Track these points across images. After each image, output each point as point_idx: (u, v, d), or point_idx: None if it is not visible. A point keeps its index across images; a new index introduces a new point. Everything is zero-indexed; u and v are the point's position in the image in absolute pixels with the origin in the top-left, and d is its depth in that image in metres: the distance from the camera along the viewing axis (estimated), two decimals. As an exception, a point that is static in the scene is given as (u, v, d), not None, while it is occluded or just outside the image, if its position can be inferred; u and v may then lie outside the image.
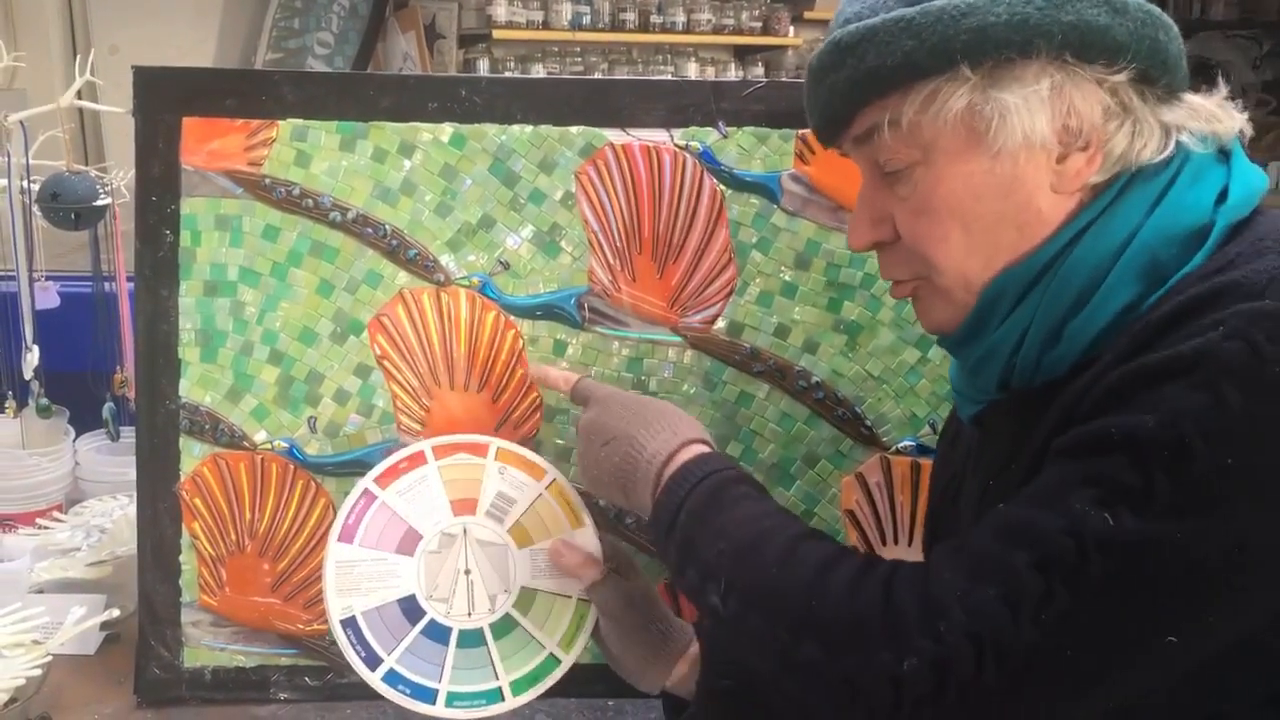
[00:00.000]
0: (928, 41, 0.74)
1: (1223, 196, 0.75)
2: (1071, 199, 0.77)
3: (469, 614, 1.01)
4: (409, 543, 1.03)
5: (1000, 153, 0.75)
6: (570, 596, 1.04)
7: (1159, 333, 0.70)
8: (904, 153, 0.78)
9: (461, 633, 1.01)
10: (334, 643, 1.01)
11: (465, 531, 1.04)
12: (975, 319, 0.81)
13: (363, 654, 0.98)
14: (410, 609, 1.00)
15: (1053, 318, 0.77)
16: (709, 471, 0.89)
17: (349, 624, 0.99)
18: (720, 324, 1.19)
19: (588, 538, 1.06)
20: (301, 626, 1.21)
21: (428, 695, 0.97)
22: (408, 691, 0.97)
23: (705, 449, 0.93)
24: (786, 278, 1.19)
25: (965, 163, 0.77)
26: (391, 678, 0.97)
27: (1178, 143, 0.77)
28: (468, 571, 1.03)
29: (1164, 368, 0.68)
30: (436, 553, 1.03)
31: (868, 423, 1.21)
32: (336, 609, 0.99)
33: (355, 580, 1.00)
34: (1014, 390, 0.81)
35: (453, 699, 0.99)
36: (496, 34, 4.64)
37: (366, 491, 1.04)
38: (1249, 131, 0.80)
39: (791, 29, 5.21)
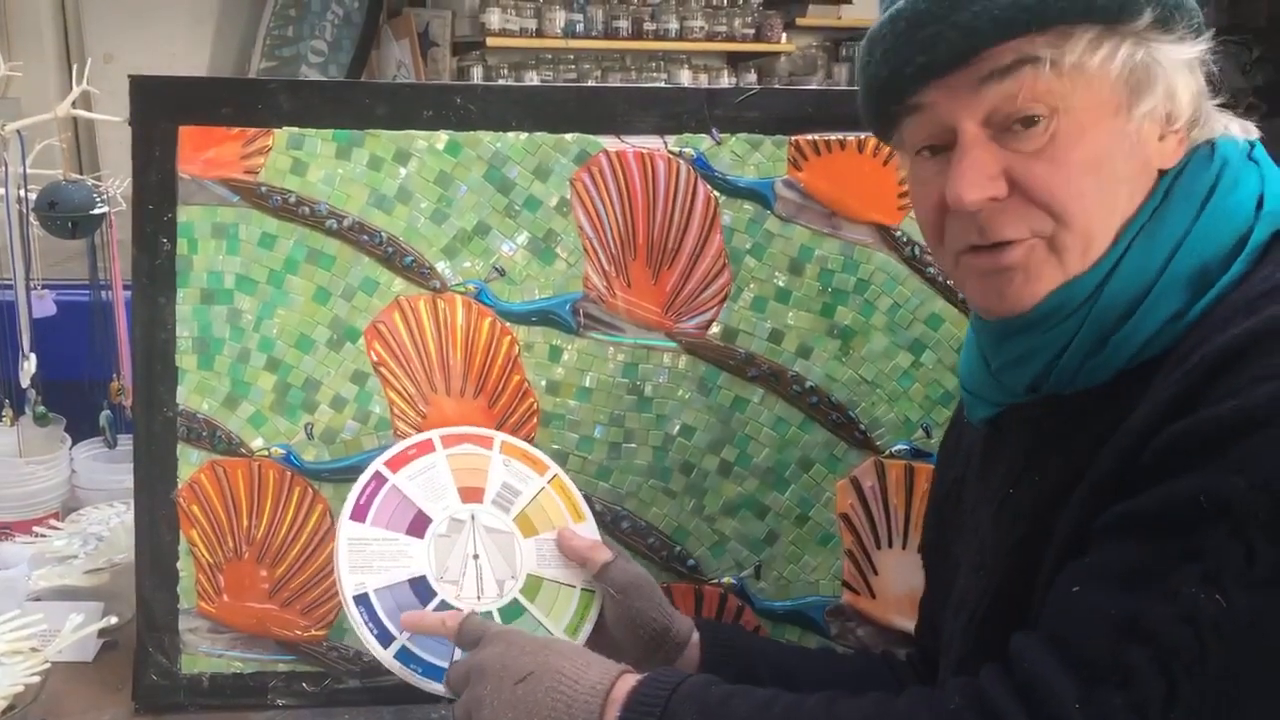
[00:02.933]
0: None
1: (1259, 202, 0.74)
2: (1152, 181, 0.75)
3: (478, 597, 1.02)
4: (419, 525, 1.03)
5: (1136, 116, 0.73)
6: (574, 586, 1.05)
7: (1213, 373, 0.67)
8: (1051, 96, 0.72)
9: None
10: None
11: (473, 518, 1.05)
12: (1043, 313, 0.76)
13: (375, 631, 0.98)
14: (422, 589, 1.01)
15: (1100, 327, 0.74)
16: (674, 683, 0.81)
17: (362, 600, 0.98)
18: (715, 329, 1.20)
19: (589, 530, 1.07)
20: (299, 632, 1.21)
21: (438, 674, 0.97)
22: (419, 670, 0.97)
23: (645, 674, 0.84)
24: (780, 283, 1.20)
25: (1108, 117, 0.73)
26: (404, 655, 0.97)
27: (1216, 142, 0.76)
28: (476, 556, 1.03)
29: (1239, 422, 0.64)
30: (446, 536, 1.03)
31: (862, 427, 1.21)
32: (350, 585, 0.99)
33: (368, 558, 1.00)
34: (1042, 395, 0.79)
35: None
36: (490, 41, 4.65)
37: (378, 474, 1.05)
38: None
39: (784, 35, 5.24)
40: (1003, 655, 0.79)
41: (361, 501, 1.03)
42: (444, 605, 1.00)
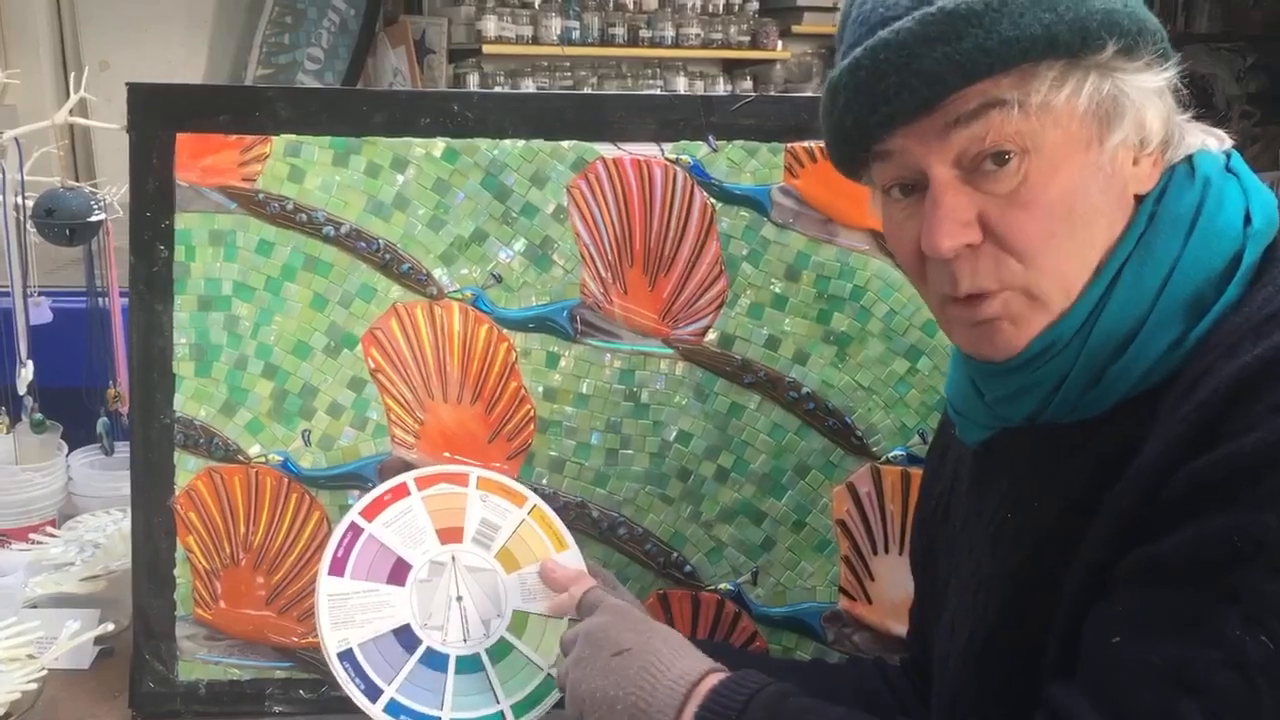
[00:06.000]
0: (1065, 16, 0.69)
1: (1246, 219, 0.74)
2: (1130, 207, 0.75)
3: (464, 640, 1.02)
4: (400, 573, 1.03)
5: (1110, 146, 0.73)
6: (562, 618, 1.04)
7: (1227, 405, 0.65)
8: (1020, 136, 0.71)
9: (459, 659, 1.01)
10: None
11: (454, 559, 1.04)
12: (1033, 354, 0.75)
13: (362, 686, 0.97)
14: (406, 638, 1.00)
15: (1096, 360, 0.73)
16: (754, 690, 0.82)
17: (346, 657, 0.98)
18: (711, 336, 1.20)
19: (573, 558, 1.07)
20: (296, 640, 1.21)
21: None
22: None
23: (732, 673, 0.85)
24: (777, 290, 1.20)
25: (1083, 152, 0.72)
26: (393, 708, 0.97)
27: (1194, 159, 0.75)
28: (459, 598, 1.03)
29: (1263, 456, 0.62)
30: (427, 581, 1.03)
31: (858, 433, 1.22)
32: (333, 642, 0.98)
33: (349, 613, 1.00)
34: (1037, 423, 0.78)
35: None
36: (486, 49, 4.67)
37: (353, 524, 1.04)
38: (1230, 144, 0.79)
39: (780, 43, 5.25)
40: (1001, 679, 0.78)
41: (339, 554, 1.02)
42: (430, 652, 1.00)
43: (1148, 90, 0.73)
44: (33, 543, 1.45)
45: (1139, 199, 0.75)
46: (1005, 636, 0.80)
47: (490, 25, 4.62)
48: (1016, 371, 0.77)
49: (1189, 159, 0.76)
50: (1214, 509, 0.63)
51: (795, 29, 5.29)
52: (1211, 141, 0.77)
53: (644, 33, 4.96)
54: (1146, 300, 0.72)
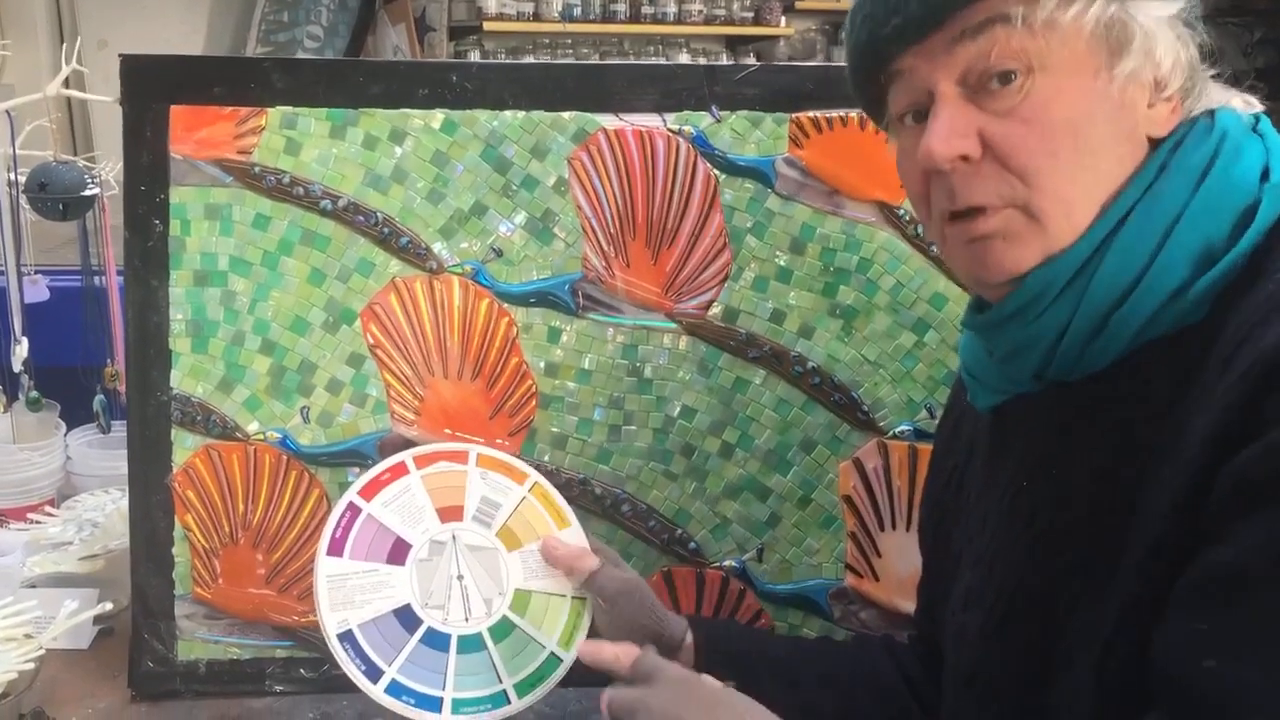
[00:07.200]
0: None
1: (1265, 175, 0.72)
2: (1142, 150, 0.74)
3: (466, 619, 1.00)
4: (399, 552, 1.01)
5: (1118, 77, 0.71)
6: (565, 596, 1.03)
7: (1269, 382, 0.62)
8: (1024, 54, 0.71)
9: (461, 638, 1.00)
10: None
11: (454, 538, 1.03)
12: (1029, 296, 0.74)
13: (363, 667, 0.96)
14: (407, 618, 0.99)
15: (1099, 307, 0.72)
16: None
17: (346, 638, 0.97)
18: (715, 309, 1.19)
19: (575, 536, 1.05)
20: (296, 618, 1.20)
21: (433, 704, 0.96)
22: (412, 701, 0.95)
23: None
24: (782, 262, 1.18)
25: (1087, 77, 0.71)
26: (394, 689, 0.96)
27: (1216, 113, 0.74)
28: (460, 577, 1.02)
29: None
30: (428, 560, 1.02)
31: (864, 408, 1.20)
32: (332, 624, 0.97)
33: (349, 594, 0.99)
34: (1048, 383, 0.77)
35: (458, 706, 0.97)
36: (487, 26, 4.63)
37: (351, 505, 1.03)
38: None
39: (783, 19, 5.21)
40: (1022, 650, 0.76)
41: (337, 535, 1.01)
42: (432, 632, 0.99)
43: (1158, 19, 0.72)
44: (31, 522, 1.44)
45: (1154, 146, 0.74)
46: (1026, 607, 0.78)
47: (491, 1, 4.59)
48: (1015, 320, 0.75)
49: (1210, 113, 0.74)
50: (1271, 501, 0.61)
51: (799, 4, 5.25)
52: (1238, 102, 0.76)
53: (646, 8, 4.92)
54: (1151, 244, 0.70)
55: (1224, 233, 0.70)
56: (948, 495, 0.96)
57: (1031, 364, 0.76)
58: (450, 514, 1.04)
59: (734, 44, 5.31)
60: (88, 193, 1.45)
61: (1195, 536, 0.65)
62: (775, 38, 5.26)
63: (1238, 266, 0.69)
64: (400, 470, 1.06)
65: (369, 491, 1.04)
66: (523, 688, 0.99)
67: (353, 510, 1.02)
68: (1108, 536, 0.71)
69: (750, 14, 5.11)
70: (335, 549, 1.00)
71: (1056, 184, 0.72)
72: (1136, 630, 0.67)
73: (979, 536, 0.86)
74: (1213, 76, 0.76)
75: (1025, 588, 0.79)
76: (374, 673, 0.96)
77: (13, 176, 1.42)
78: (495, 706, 0.98)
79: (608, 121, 1.16)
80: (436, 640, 0.99)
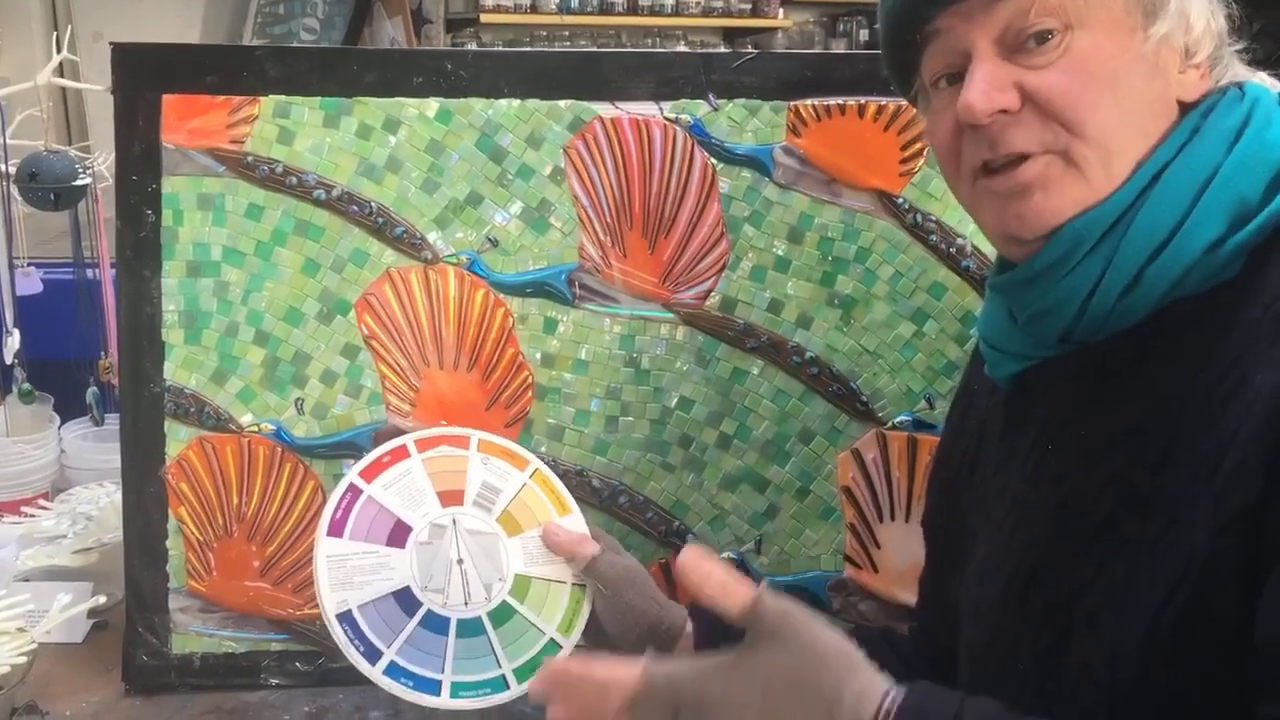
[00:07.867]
0: None
1: None
2: (1173, 113, 0.74)
3: (465, 603, 1.00)
4: (399, 535, 1.01)
5: (1152, 38, 0.73)
6: (565, 582, 1.02)
7: None
8: (1063, 10, 0.72)
9: (460, 622, 0.99)
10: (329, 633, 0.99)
11: (455, 522, 1.02)
12: (1064, 249, 0.73)
13: (362, 648, 0.95)
14: (406, 601, 0.98)
15: (1133, 261, 0.72)
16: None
17: (345, 619, 0.96)
18: (713, 299, 1.18)
19: (576, 523, 1.05)
20: (292, 611, 1.19)
21: (431, 687, 0.95)
22: (410, 684, 0.95)
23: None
24: (780, 252, 1.17)
25: (1124, 35, 0.73)
26: (393, 671, 0.95)
27: (1244, 85, 0.75)
28: (460, 561, 1.01)
29: None
30: (428, 544, 1.01)
31: (863, 398, 1.19)
32: (331, 604, 0.96)
33: (348, 574, 0.98)
34: (1074, 344, 0.76)
35: (457, 689, 0.97)
36: (484, 18, 4.62)
37: (352, 486, 1.02)
38: None
39: (781, 11, 5.19)
40: (1043, 615, 0.75)
41: (337, 516, 1.00)
42: (431, 615, 0.98)
43: None
44: (24, 515, 1.43)
45: (1184, 110, 0.75)
46: (1049, 571, 0.77)
47: (488, -7, 4.57)
48: (1047, 277, 0.75)
49: (1240, 84, 0.76)
50: None
51: (796, -4, 5.24)
52: (1264, 78, 0.78)
53: (643, 1, 4.91)
54: (1186, 200, 0.71)
55: (1258, 191, 0.71)
56: (960, 477, 0.95)
57: (1060, 324, 0.76)
58: (451, 498, 1.03)
59: (732, 36, 5.29)
60: (79, 182, 1.43)
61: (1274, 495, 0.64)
62: (773, 29, 5.24)
63: (1272, 223, 0.70)
64: (401, 453, 1.05)
65: (370, 473, 1.03)
66: (522, 672, 0.98)
67: (354, 491, 1.02)
68: (1140, 494, 0.71)
69: (748, 5, 5.09)
70: (335, 529, 0.99)
71: (1099, 132, 0.72)
72: (1192, 588, 0.66)
73: (998, 508, 0.85)
74: (1239, 52, 0.78)
75: (1050, 550, 0.78)
76: (373, 654, 0.95)
77: (3, 167, 1.41)
78: (494, 691, 0.97)
79: (604, 110, 1.15)
80: (436, 623, 0.98)
